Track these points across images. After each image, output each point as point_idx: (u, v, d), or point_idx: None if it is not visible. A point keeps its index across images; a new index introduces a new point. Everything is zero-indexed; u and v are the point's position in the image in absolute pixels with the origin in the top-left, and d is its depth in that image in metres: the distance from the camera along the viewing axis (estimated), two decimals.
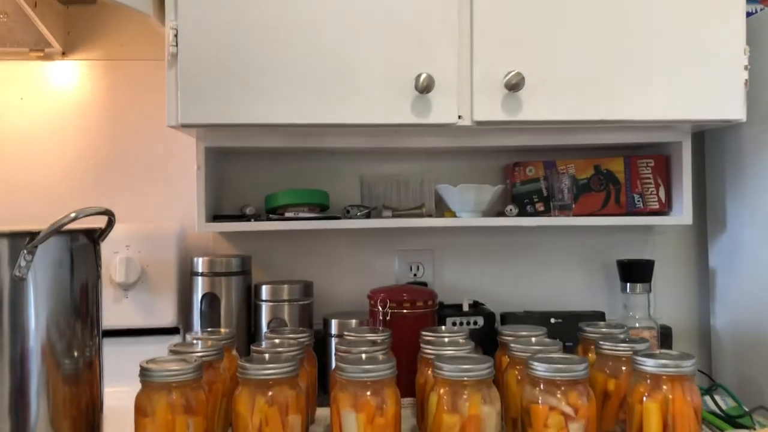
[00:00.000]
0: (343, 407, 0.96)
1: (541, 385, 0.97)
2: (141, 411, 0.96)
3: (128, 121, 1.57)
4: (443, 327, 1.27)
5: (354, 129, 1.31)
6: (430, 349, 1.12)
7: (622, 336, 1.16)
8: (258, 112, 1.22)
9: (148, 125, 1.56)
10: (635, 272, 1.50)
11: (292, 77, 1.21)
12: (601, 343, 1.12)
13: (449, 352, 1.08)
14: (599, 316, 1.50)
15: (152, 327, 1.46)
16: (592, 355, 1.19)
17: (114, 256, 1.42)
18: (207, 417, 1.01)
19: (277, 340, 1.17)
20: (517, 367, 1.11)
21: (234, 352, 1.23)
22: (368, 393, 0.96)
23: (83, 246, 0.98)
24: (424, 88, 1.20)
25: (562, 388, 0.96)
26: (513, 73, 1.21)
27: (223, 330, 1.26)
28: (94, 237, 1.00)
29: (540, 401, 0.97)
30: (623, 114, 1.26)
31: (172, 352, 1.09)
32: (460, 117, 1.24)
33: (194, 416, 0.97)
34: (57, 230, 0.91)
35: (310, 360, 1.23)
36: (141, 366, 0.98)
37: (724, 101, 1.26)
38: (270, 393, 0.97)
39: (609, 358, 1.11)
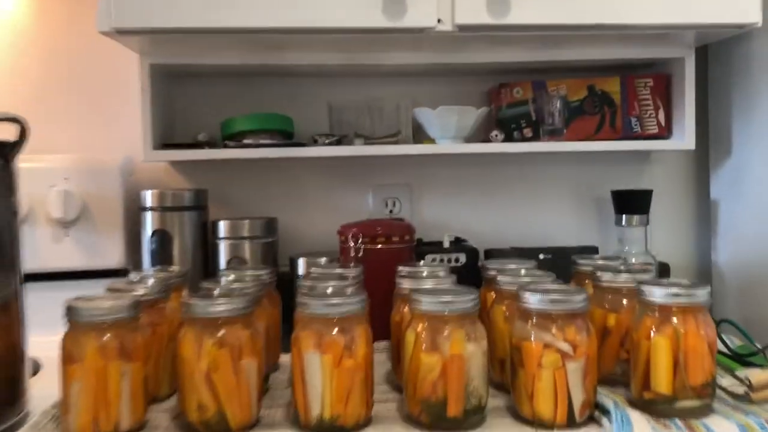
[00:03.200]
0: (306, 348, 0.83)
1: (534, 319, 0.84)
2: (68, 356, 0.82)
3: (65, 37, 1.39)
4: (422, 262, 1.13)
5: (319, 41, 1.15)
6: (407, 284, 0.98)
7: (621, 267, 1.03)
8: (206, 14, 1.05)
9: (90, 42, 1.38)
10: (631, 203, 1.38)
11: None
12: (598, 274, 0.99)
13: (428, 286, 0.95)
14: (592, 250, 1.38)
15: (97, 269, 1.30)
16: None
17: (50, 190, 1.26)
18: (146, 363, 0.87)
19: (232, 277, 1.03)
20: (505, 301, 0.97)
21: (185, 293, 1.09)
22: (335, 331, 0.82)
23: None
24: None
25: (558, 323, 0.83)
26: None
27: (173, 268, 1.11)
28: (5, 152, 0.84)
29: (533, 338, 0.83)
30: (620, 17, 1.11)
31: (109, 290, 0.94)
32: (439, 21, 1.09)
33: (130, 362, 0.83)
34: None
35: (271, 300, 1.09)
36: (67, 305, 0.83)
37: (736, 0, 1.11)
38: (219, 333, 0.83)
39: (608, 291, 0.98)
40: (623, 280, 0.97)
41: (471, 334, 0.83)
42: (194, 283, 1.27)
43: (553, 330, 0.83)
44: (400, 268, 1.06)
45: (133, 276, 1.06)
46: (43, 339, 0.92)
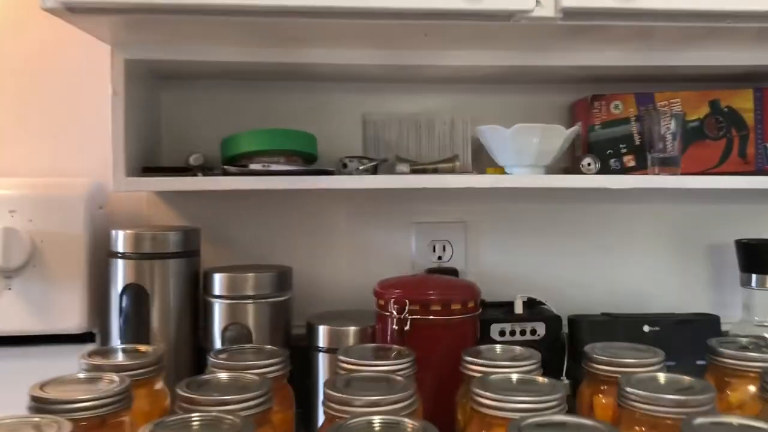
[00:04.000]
0: None
1: None
2: None
3: (12, 24, 1.06)
4: (497, 347, 0.80)
5: (353, 31, 0.82)
6: (484, 395, 0.64)
7: None
8: None
9: (51, 32, 1.05)
10: (764, 258, 1.03)
11: None
12: None
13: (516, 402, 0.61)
14: (711, 321, 1.03)
15: (51, 332, 0.97)
16: (734, 393, 0.74)
17: None
18: None
19: (224, 377, 0.69)
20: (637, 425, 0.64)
21: (158, 387, 0.76)
22: None
23: None
24: None
25: None
26: None
27: (141, 348, 0.78)
28: None
29: None
30: None
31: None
32: (538, 2, 0.75)
33: None
34: None
35: (283, 400, 0.76)
36: None
37: None
38: None
39: None
40: None
41: None
42: (180, 363, 0.95)
43: None
44: (467, 359, 0.74)
45: (83, 362, 0.73)
46: None
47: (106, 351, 0.79)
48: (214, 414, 0.57)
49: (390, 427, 0.56)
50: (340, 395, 0.63)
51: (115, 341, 0.96)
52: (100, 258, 0.99)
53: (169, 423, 0.55)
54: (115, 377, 0.68)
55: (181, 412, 0.61)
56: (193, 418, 0.56)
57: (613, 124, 1.03)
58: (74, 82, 1.07)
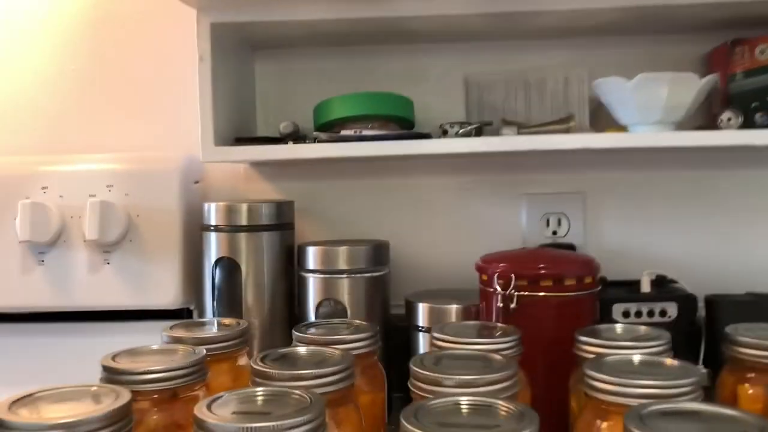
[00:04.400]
0: None
1: None
2: None
3: (114, 15, 1.06)
4: (617, 326, 0.69)
5: None
6: (598, 377, 0.54)
7: None
8: None
9: (136, 4, 1.04)
10: None
11: None
12: None
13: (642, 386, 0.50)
14: None
15: (147, 308, 0.96)
16: None
17: (86, 202, 0.93)
18: None
19: (303, 351, 0.63)
20: None
21: (242, 362, 0.71)
22: None
23: None
24: None
25: None
26: None
27: (226, 321, 0.74)
28: None
29: None
30: None
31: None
32: None
33: None
34: None
35: (372, 379, 0.69)
36: None
37: None
38: None
39: None
40: None
41: None
42: (272, 344, 0.90)
43: None
44: (581, 339, 0.64)
45: (164, 335, 0.70)
46: None
47: (190, 324, 0.75)
48: (281, 389, 0.51)
49: (481, 410, 0.47)
50: (427, 373, 0.55)
51: (210, 317, 0.93)
52: (195, 233, 0.96)
53: (229, 398, 0.49)
54: (192, 350, 0.63)
55: (254, 387, 0.56)
56: (257, 393, 0.50)
57: (759, 72, 0.88)
58: (165, 52, 1.05)
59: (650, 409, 0.45)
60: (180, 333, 0.70)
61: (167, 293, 0.96)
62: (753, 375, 0.63)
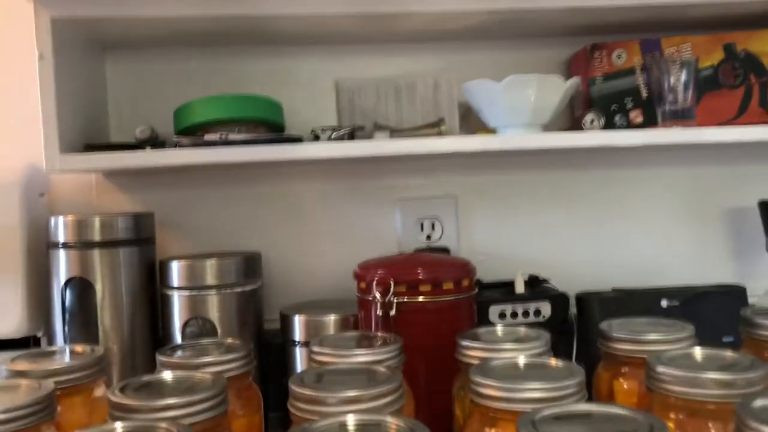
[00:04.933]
0: None
1: None
2: None
3: None
4: (497, 328, 0.68)
5: None
6: (485, 383, 0.52)
7: None
8: None
9: None
10: None
11: None
12: None
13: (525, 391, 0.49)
14: (737, 292, 0.91)
15: None
16: None
17: None
18: None
19: (169, 377, 0.57)
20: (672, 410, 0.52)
21: (98, 394, 0.64)
22: None
23: None
24: None
25: None
26: None
27: (79, 349, 0.66)
28: None
29: None
30: None
31: None
32: None
33: None
34: None
35: (247, 402, 0.64)
36: None
37: None
38: None
39: None
40: None
41: None
42: (133, 371, 0.82)
43: None
44: (462, 342, 0.63)
45: (2, 369, 0.61)
46: None
47: (36, 354, 0.67)
48: (145, 423, 0.45)
49: (369, 429, 0.44)
50: (309, 393, 0.51)
51: (62, 344, 0.83)
52: (41, 252, 0.86)
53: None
54: (37, 384, 0.55)
55: (113, 421, 0.49)
56: (116, 430, 0.44)
57: (617, 76, 0.92)
58: (2, 50, 0.94)
59: (542, 414, 0.43)
60: (23, 366, 0.62)
61: (9, 320, 0.85)
62: (627, 369, 0.65)
